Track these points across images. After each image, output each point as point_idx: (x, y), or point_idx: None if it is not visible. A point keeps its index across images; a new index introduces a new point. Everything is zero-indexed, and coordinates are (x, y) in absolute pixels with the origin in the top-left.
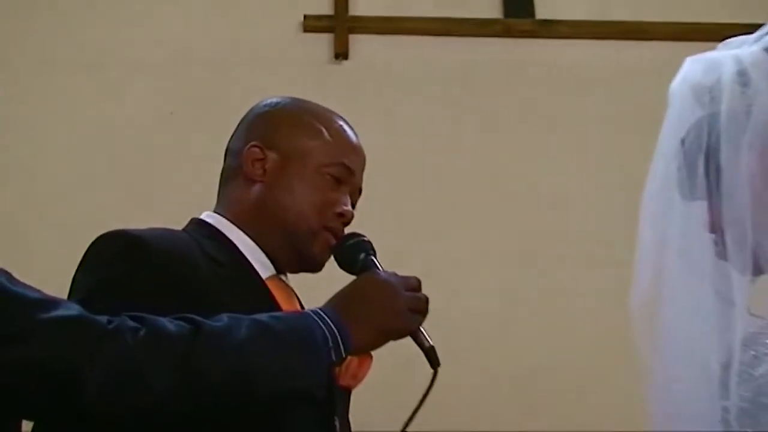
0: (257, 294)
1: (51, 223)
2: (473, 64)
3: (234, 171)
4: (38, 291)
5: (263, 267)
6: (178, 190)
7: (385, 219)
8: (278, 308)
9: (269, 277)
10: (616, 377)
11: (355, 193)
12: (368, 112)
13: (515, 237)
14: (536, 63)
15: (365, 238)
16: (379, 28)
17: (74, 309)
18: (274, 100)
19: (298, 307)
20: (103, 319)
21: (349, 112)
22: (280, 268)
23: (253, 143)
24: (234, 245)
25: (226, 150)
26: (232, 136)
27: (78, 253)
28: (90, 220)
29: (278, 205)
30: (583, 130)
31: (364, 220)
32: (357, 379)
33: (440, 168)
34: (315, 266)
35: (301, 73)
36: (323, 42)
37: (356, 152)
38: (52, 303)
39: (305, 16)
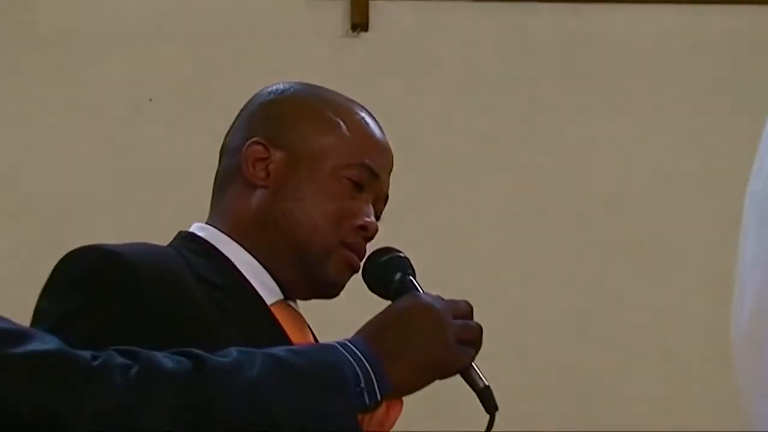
0: (261, 323)
1: (6, 225)
2: (520, 33)
3: (231, 173)
4: (7, 320)
5: (268, 290)
6: (159, 195)
7: (415, 227)
8: (287, 340)
9: (275, 303)
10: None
11: (380, 201)
12: (392, 95)
13: (574, 242)
14: (598, 32)
15: (401, 254)
16: None
17: (52, 342)
18: (281, 86)
19: (311, 339)
20: (87, 354)
21: (369, 95)
22: (289, 293)
23: (254, 139)
24: (232, 264)
25: (222, 148)
26: (229, 131)
27: (37, 272)
28: (53, 231)
29: (285, 216)
30: (655, 109)
31: (390, 229)
32: (384, 427)
33: (480, 160)
34: (330, 291)
35: (310, 48)
36: (337, 10)
37: (381, 151)
38: (23, 335)
39: None
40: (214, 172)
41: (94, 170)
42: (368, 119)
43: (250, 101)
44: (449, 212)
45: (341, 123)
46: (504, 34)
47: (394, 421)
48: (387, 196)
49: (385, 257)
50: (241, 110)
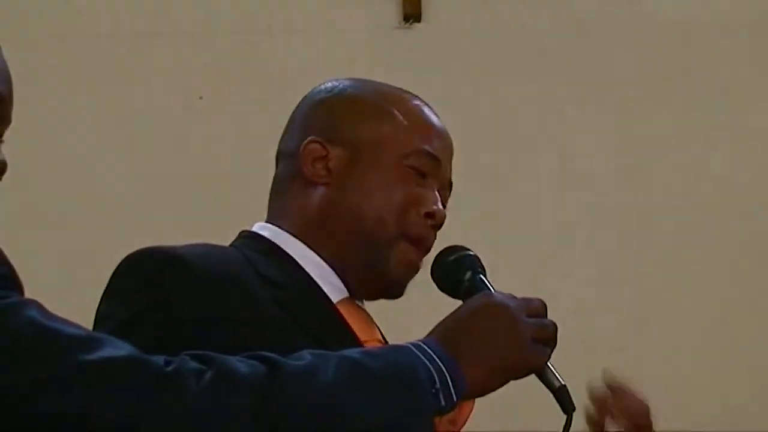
0: (327, 321)
1: (58, 229)
2: (579, 24)
3: (290, 176)
4: (77, 325)
5: (333, 288)
6: (212, 195)
7: (468, 222)
8: (354, 338)
9: (341, 301)
10: None
11: (445, 188)
12: (448, 88)
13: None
14: (657, 19)
15: (471, 252)
16: None
17: (124, 348)
18: (329, 84)
19: (380, 338)
20: (160, 359)
21: (423, 89)
22: (354, 293)
23: (311, 138)
24: (295, 263)
25: (278, 154)
26: (282, 136)
27: (89, 272)
28: (108, 228)
29: (350, 211)
30: (719, 95)
31: (452, 224)
32: (456, 425)
33: (537, 153)
34: (394, 288)
35: (362, 41)
36: (390, 2)
37: (441, 137)
38: (96, 340)
39: None
40: (267, 169)
41: (144, 170)
42: (423, 106)
43: (300, 103)
44: (504, 207)
45: (396, 112)
46: (558, 22)
47: (466, 420)
48: (451, 183)
49: (454, 256)
50: (293, 114)
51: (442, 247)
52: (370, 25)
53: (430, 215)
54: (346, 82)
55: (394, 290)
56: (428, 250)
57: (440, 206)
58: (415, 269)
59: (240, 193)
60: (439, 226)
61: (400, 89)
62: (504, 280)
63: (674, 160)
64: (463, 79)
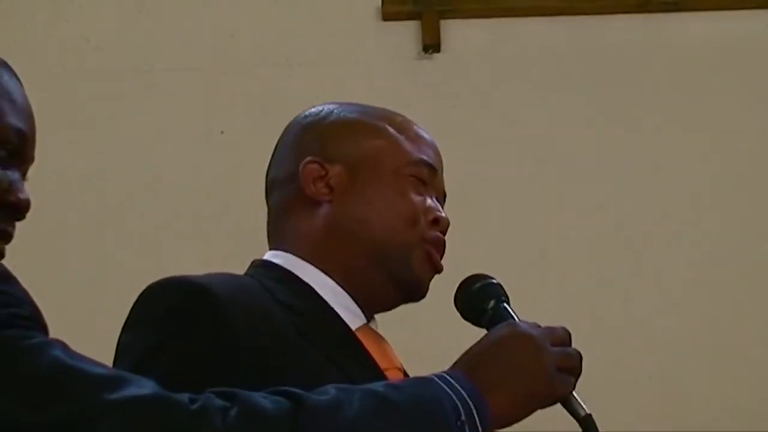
0: (348, 349)
1: (78, 261)
2: (599, 50)
3: (290, 200)
4: (101, 364)
5: (351, 314)
6: (233, 227)
7: (485, 246)
8: (375, 366)
9: (359, 328)
10: None
11: (440, 197)
12: (469, 116)
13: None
14: (678, 43)
15: (494, 281)
16: (478, 10)
17: (148, 386)
18: (316, 108)
19: (398, 365)
20: (184, 397)
21: (443, 118)
22: (372, 312)
23: (309, 159)
24: (312, 289)
25: (269, 184)
26: (271, 165)
27: (111, 303)
28: (128, 260)
29: (358, 223)
30: (740, 122)
31: (471, 243)
32: None
33: (558, 180)
34: (417, 290)
35: (381, 72)
36: (408, 32)
37: (433, 148)
38: (120, 380)
39: (383, 1)
40: None
41: (166, 203)
42: (409, 120)
43: (287, 130)
44: (525, 232)
45: (387, 126)
46: (578, 50)
47: None
48: (445, 194)
49: (478, 284)
50: (278, 142)
51: (466, 276)
52: (390, 55)
53: (436, 221)
54: (332, 105)
55: (418, 292)
56: (443, 254)
57: (443, 213)
58: (435, 270)
59: (261, 226)
60: (444, 232)
61: (382, 108)
62: (517, 297)
63: (692, 182)
64: (482, 109)
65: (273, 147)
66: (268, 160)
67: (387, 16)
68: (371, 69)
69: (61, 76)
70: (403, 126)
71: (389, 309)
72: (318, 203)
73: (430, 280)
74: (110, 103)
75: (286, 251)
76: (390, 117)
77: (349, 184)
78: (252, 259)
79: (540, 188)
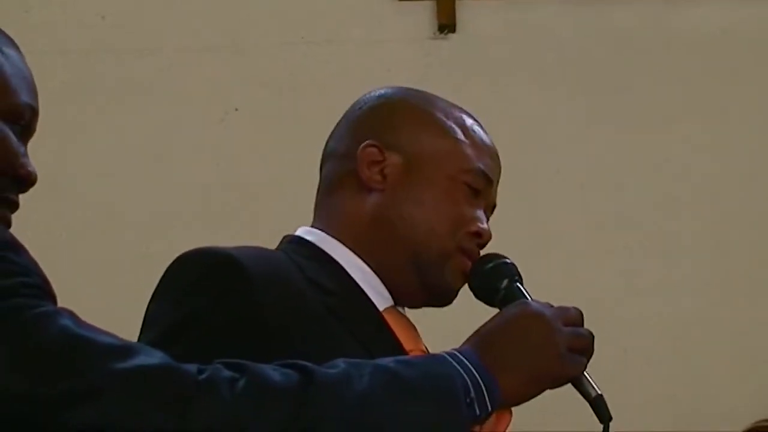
0: (375, 330)
1: (92, 240)
2: (616, 33)
3: (341, 177)
4: (110, 334)
5: (379, 296)
6: (248, 206)
7: (517, 233)
8: (400, 347)
9: (386, 309)
10: None
11: (489, 209)
12: (482, 99)
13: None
14: (703, 28)
15: (508, 260)
16: None
17: (156, 356)
18: (386, 90)
19: (423, 348)
20: (193, 367)
21: (458, 99)
22: (401, 300)
23: (369, 142)
24: (342, 269)
25: (325, 152)
26: (331, 136)
27: (128, 284)
28: (143, 239)
29: (402, 219)
30: (748, 111)
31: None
32: None
33: (570, 163)
34: (446, 297)
35: (397, 52)
36: (424, 12)
37: (495, 158)
38: (129, 349)
39: None
40: (302, 180)
41: (180, 181)
42: (477, 126)
43: (353, 106)
44: (535, 218)
45: (456, 128)
46: (595, 32)
47: (504, 430)
48: (495, 205)
49: (492, 264)
50: (346, 114)
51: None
52: (405, 35)
53: (478, 234)
54: (404, 90)
55: (445, 299)
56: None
57: (486, 226)
58: (466, 279)
59: (276, 204)
60: (483, 245)
61: (457, 106)
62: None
63: (700, 175)
64: (497, 89)
65: (287, 125)
66: (283, 139)
67: None
68: (386, 49)
69: (79, 56)
70: (472, 131)
71: (414, 307)
72: (368, 189)
73: (460, 288)
74: (124, 82)
75: (321, 229)
76: (461, 119)
77: (403, 178)
78: (267, 237)
79: (551, 172)
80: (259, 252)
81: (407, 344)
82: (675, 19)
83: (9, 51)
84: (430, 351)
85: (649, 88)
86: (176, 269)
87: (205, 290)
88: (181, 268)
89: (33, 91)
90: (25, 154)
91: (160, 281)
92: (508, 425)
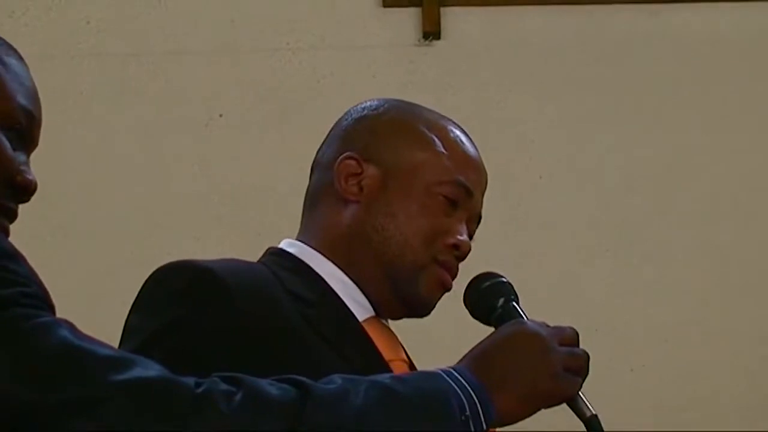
0: (354, 340)
1: (81, 246)
2: (601, 40)
3: (323, 189)
4: (108, 345)
5: (359, 307)
6: (234, 211)
7: (491, 240)
8: (380, 357)
9: (367, 320)
10: None
11: (473, 220)
12: (467, 105)
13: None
14: (678, 33)
15: (504, 279)
16: None
17: (154, 368)
18: (374, 102)
19: (404, 357)
20: (190, 380)
21: (442, 106)
22: (380, 312)
23: (347, 154)
24: (323, 280)
25: (314, 163)
26: (321, 146)
27: (113, 288)
28: (129, 244)
29: (377, 232)
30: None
31: (480, 248)
32: None
33: (558, 170)
34: (421, 309)
35: (382, 58)
36: (409, 19)
37: (476, 169)
38: (127, 361)
39: None
40: (287, 186)
41: (166, 187)
42: (463, 137)
43: (343, 117)
44: (526, 226)
45: (436, 139)
46: (580, 40)
47: None
48: (480, 216)
49: (488, 283)
50: (335, 125)
51: (475, 274)
52: (390, 42)
53: (455, 246)
54: (392, 102)
55: (421, 310)
56: (455, 275)
57: (466, 238)
58: (444, 289)
59: (262, 209)
60: (462, 258)
61: (444, 117)
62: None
63: (692, 177)
64: (482, 96)
65: (272, 131)
66: (267, 145)
67: (388, 3)
68: (371, 55)
69: (61, 60)
70: (453, 142)
71: (394, 319)
72: (345, 201)
73: (438, 300)
74: (109, 86)
75: (303, 241)
76: (444, 130)
77: (380, 190)
78: (249, 239)
79: (538, 179)
80: (239, 264)
81: (387, 354)
82: (662, 25)
83: (9, 59)
84: (427, 368)
85: (636, 92)
86: (156, 281)
87: (184, 301)
88: (160, 280)
89: (32, 97)
90: (25, 162)
91: (140, 293)
92: None
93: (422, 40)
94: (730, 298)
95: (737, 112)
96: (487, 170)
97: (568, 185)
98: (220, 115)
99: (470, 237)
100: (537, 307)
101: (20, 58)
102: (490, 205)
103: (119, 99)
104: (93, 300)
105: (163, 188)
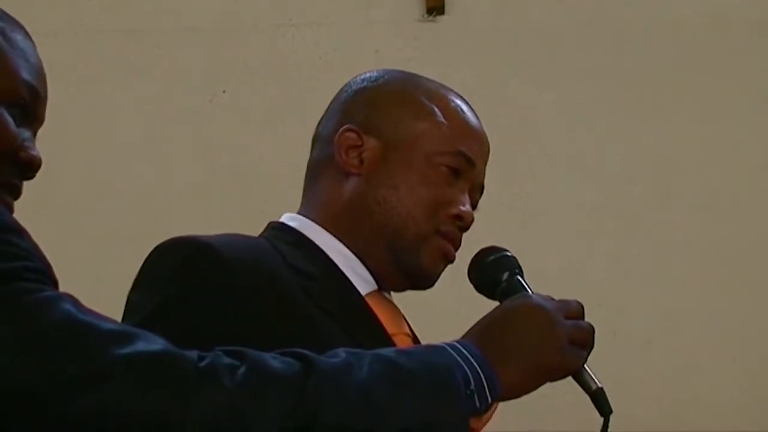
0: (356, 313)
1: (83, 224)
2: (604, 19)
3: (324, 162)
4: (112, 320)
5: (361, 281)
6: (235, 188)
7: (508, 219)
8: (383, 331)
9: (369, 293)
10: None
11: (476, 190)
12: (470, 81)
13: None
14: (693, 15)
15: (508, 253)
16: None
17: (158, 342)
18: (374, 73)
19: (407, 331)
20: (194, 354)
21: (447, 81)
22: (383, 284)
23: (346, 127)
24: (324, 254)
25: (315, 136)
26: (321, 120)
27: (117, 267)
28: (130, 221)
29: (378, 204)
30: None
31: (479, 223)
32: (480, 422)
33: (559, 148)
34: (424, 281)
35: (385, 34)
36: None
37: (477, 138)
38: (130, 335)
39: None
40: (290, 163)
41: (167, 164)
42: (464, 106)
43: (342, 89)
44: (526, 202)
45: (436, 109)
46: (582, 17)
47: (489, 418)
48: (483, 186)
49: (492, 257)
50: (334, 98)
51: (480, 248)
52: (394, 17)
53: (458, 217)
54: (391, 73)
55: (424, 282)
56: (458, 247)
57: (468, 208)
58: (447, 261)
59: (263, 187)
60: (466, 228)
61: (444, 87)
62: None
63: (692, 162)
64: (485, 71)
65: (276, 107)
66: (272, 120)
67: None
68: (374, 31)
69: (63, 36)
70: (454, 112)
71: (397, 291)
72: (346, 174)
73: (441, 271)
74: (111, 63)
75: (304, 215)
76: (445, 99)
77: (381, 162)
78: (252, 217)
79: (538, 155)
80: (239, 239)
81: (390, 328)
82: (667, 7)
83: (14, 35)
84: (431, 343)
85: (641, 74)
86: (156, 259)
87: (185, 278)
88: (161, 257)
89: (37, 74)
90: (29, 139)
91: (141, 270)
92: (493, 413)
93: (426, 15)
94: (729, 286)
95: (738, 100)
96: (491, 147)
97: (571, 163)
98: (224, 92)
99: (473, 207)
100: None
101: (27, 35)
102: (491, 181)
103: (121, 75)
104: (94, 279)
105: (163, 164)
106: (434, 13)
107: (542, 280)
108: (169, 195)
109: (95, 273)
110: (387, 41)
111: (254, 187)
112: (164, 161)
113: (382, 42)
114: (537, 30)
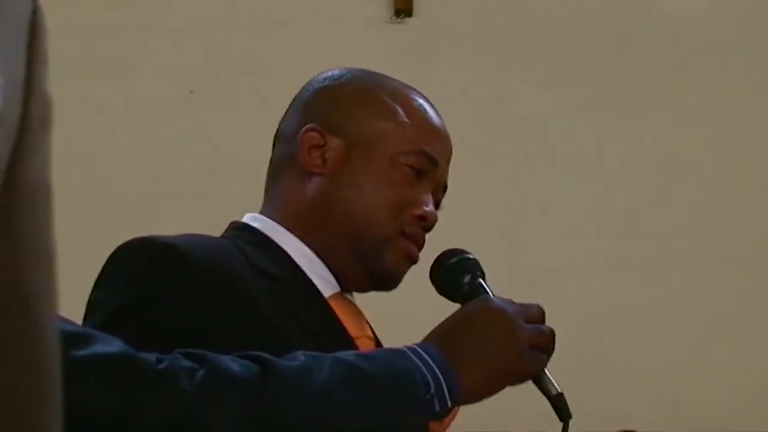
0: (318, 315)
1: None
2: (578, 19)
3: (286, 161)
4: (69, 321)
5: (324, 282)
6: (212, 186)
7: (471, 220)
8: (345, 334)
9: (332, 296)
10: None
11: (439, 190)
12: (439, 83)
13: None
14: (686, 12)
15: (470, 256)
16: None
17: (115, 345)
18: (336, 72)
19: (370, 334)
20: (152, 357)
21: (415, 83)
22: (347, 286)
23: (309, 126)
24: (287, 256)
25: (276, 134)
26: (283, 118)
27: (92, 266)
28: (95, 221)
29: (341, 204)
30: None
31: (444, 224)
32: (441, 426)
33: (534, 148)
34: (389, 282)
35: (354, 36)
36: None
37: (440, 138)
38: (87, 337)
39: None
40: (260, 162)
41: (144, 162)
42: (427, 106)
43: (304, 87)
44: (500, 203)
45: (399, 109)
46: (551, 16)
47: (450, 422)
48: (446, 186)
49: (454, 259)
50: (296, 96)
51: (441, 251)
52: (362, 19)
53: (422, 217)
54: (354, 72)
55: (388, 283)
56: (422, 248)
57: (432, 208)
58: (411, 262)
59: (239, 185)
60: (429, 228)
61: (408, 86)
62: (507, 276)
63: (689, 161)
64: (453, 74)
65: (243, 108)
66: (240, 120)
67: None
68: (343, 32)
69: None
70: (417, 111)
71: (362, 292)
72: (309, 174)
73: (405, 272)
74: (77, 63)
75: (267, 215)
76: (408, 99)
77: (344, 161)
78: (220, 219)
79: (517, 160)
80: (202, 240)
81: (353, 331)
82: (667, 7)
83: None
84: (391, 347)
85: (641, 74)
86: (118, 258)
87: (146, 277)
88: (123, 257)
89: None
90: None
91: (102, 270)
92: (453, 418)
93: (394, 17)
94: (729, 286)
95: (738, 100)
96: (458, 147)
97: (543, 163)
98: (191, 92)
99: (436, 207)
100: (534, 295)
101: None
102: (460, 179)
103: (97, 72)
104: (68, 275)
105: (139, 162)
106: (402, 15)
107: (542, 280)
108: (146, 192)
109: (73, 271)
110: (356, 43)
111: (223, 187)
112: (140, 158)
113: (350, 43)
114: (503, 28)
